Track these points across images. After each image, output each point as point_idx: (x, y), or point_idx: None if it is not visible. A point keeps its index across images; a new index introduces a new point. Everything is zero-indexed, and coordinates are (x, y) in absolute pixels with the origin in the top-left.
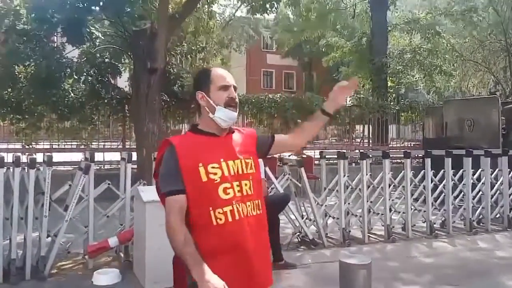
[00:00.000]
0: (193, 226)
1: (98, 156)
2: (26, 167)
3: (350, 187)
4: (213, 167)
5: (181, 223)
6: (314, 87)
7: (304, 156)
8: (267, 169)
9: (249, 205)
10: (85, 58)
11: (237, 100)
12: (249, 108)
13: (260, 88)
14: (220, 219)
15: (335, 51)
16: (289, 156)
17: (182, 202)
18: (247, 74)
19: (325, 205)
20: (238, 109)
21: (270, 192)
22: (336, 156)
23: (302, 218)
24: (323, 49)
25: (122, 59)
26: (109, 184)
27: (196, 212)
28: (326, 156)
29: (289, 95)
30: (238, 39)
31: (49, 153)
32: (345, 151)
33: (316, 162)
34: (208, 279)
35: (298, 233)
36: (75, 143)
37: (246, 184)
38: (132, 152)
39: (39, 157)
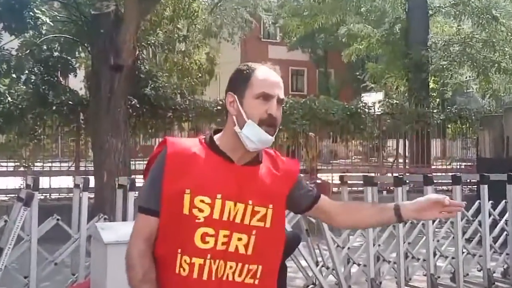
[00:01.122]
0: (156, 261)
1: (44, 182)
2: None
3: None
4: (201, 201)
5: (144, 253)
6: (331, 89)
7: (318, 181)
8: None
9: (231, 267)
10: (28, 51)
11: (278, 120)
12: None
13: None
14: (184, 270)
15: (359, 42)
16: None
17: (154, 228)
18: None
19: (348, 248)
20: (276, 132)
21: None
22: (361, 182)
23: (317, 265)
24: (343, 40)
25: (77, 53)
26: (58, 219)
27: (163, 248)
28: (349, 182)
29: (298, 99)
30: (230, 25)
31: None
32: (373, 174)
33: (335, 189)
34: None
35: (312, 286)
36: (12, 165)
37: (239, 239)
38: (89, 176)
39: None
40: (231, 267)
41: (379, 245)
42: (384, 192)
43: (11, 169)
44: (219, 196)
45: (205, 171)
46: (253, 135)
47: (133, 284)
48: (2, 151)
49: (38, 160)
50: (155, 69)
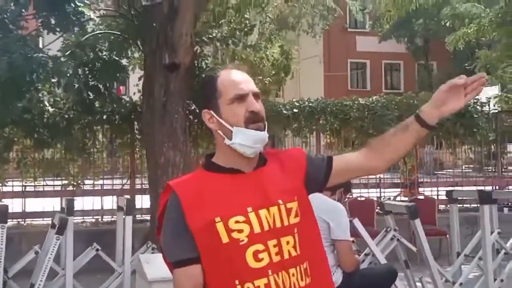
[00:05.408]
0: None
1: (95, 202)
2: None
3: (503, 251)
4: (236, 222)
5: None
6: (434, 85)
7: (420, 197)
8: (358, 222)
9: (293, 274)
10: (69, 52)
11: (262, 113)
12: (327, 121)
13: (347, 89)
14: None
15: (466, 26)
16: (394, 198)
17: (197, 277)
18: (325, 68)
19: (460, 284)
20: (266, 126)
21: (363, 262)
22: (476, 198)
23: None
24: (447, 23)
25: (130, 52)
26: (97, 250)
27: (216, 287)
28: (459, 198)
29: (393, 97)
30: (310, 14)
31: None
32: (490, 188)
33: (442, 207)
34: None
35: None
36: (59, 183)
37: (288, 242)
38: (143, 195)
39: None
40: (293, 274)
41: (501, 280)
42: (506, 209)
43: (58, 188)
44: (249, 209)
45: (224, 192)
46: (246, 140)
47: None
48: (48, 168)
49: (89, 178)
50: (219, 66)
